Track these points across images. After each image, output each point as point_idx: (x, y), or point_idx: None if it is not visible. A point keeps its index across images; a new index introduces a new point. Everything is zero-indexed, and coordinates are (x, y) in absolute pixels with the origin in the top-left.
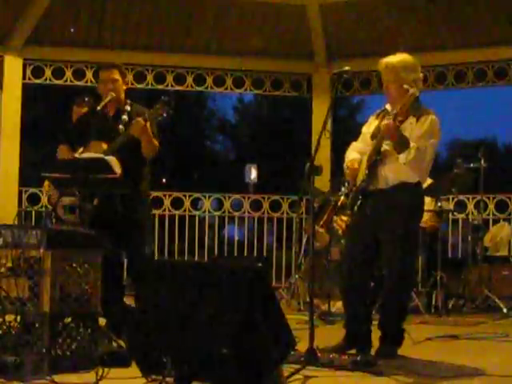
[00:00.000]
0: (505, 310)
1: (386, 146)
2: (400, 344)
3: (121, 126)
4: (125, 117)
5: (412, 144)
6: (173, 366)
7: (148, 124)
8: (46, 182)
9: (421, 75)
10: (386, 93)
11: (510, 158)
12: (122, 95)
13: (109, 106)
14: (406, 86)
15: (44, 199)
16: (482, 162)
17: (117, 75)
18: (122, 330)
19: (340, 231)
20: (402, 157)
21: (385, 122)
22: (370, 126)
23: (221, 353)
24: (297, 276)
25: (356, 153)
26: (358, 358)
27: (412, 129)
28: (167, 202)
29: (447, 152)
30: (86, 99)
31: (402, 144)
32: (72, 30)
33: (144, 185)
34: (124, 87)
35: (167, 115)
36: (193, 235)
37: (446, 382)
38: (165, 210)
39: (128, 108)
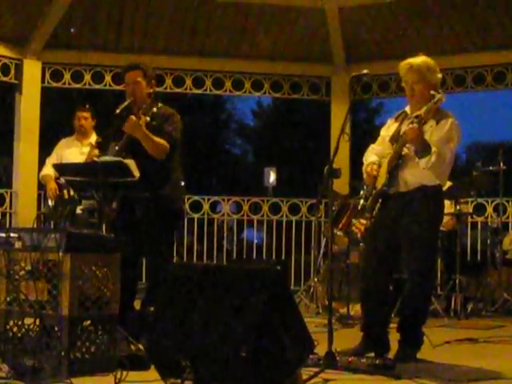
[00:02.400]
0: None
1: (406, 149)
2: (419, 347)
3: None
4: (147, 118)
5: (433, 149)
6: (191, 369)
7: (142, 121)
8: (52, 185)
9: (440, 76)
10: (410, 94)
11: None
12: (145, 97)
13: (134, 109)
14: (432, 92)
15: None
16: (502, 164)
17: (139, 77)
18: (141, 333)
19: (359, 234)
20: (423, 162)
21: (409, 126)
22: (388, 129)
23: (239, 356)
24: (315, 279)
25: (374, 155)
26: (377, 362)
27: (432, 132)
28: (186, 205)
29: (466, 155)
30: (87, 106)
31: (423, 149)
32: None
33: (168, 189)
34: (150, 89)
35: (162, 106)
36: (212, 238)
37: None
38: None
39: (154, 110)
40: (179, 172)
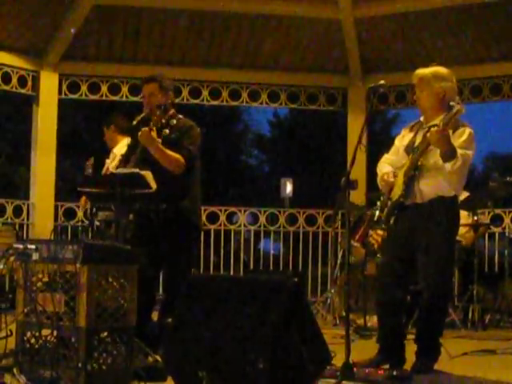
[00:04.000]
0: None
1: (422, 160)
2: (436, 359)
3: (159, 140)
4: (166, 130)
5: (459, 152)
6: (209, 381)
7: (153, 133)
8: (84, 197)
9: (454, 85)
10: (417, 102)
11: None
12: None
13: (150, 120)
14: (452, 103)
15: (80, 213)
16: None
17: (154, 90)
18: (158, 345)
19: (376, 246)
20: (448, 165)
21: (433, 128)
22: (403, 139)
23: (257, 367)
24: (332, 290)
25: (388, 166)
26: (394, 373)
27: None
28: (203, 217)
29: (483, 165)
30: (108, 120)
31: (450, 152)
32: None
33: (187, 202)
34: (166, 101)
35: (182, 118)
36: (228, 249)
37: None
38: None
39: (174, 122)
40: (198, 186)
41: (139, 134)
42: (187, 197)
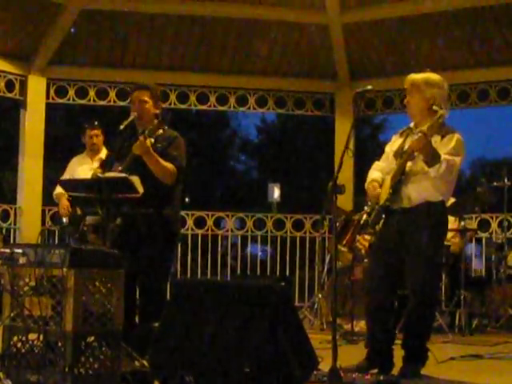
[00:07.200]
0: None
1: (410, 164)
2: (423, 363)
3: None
4: (152, 140)
5: (442, 157)
6: None
7: (148, 142)
8: (65, 202)
9: (445, 92)
10: (407, 107)
11: None
12: (150, 117)
13: (138, 128)
14: (435, 107)
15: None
16: (506, 180)
17: (146, 97)
18: (145, 349)
19: (363, 250)
20: (433, 170)
21: (415, 137)
22: (393, 145)
23: (243, 372)
24: (320, 295)
25: (378, 172)
26: (381, 378)
27: (437, 147)
28: (190, 222)
29: (470, 171)
30: (96, 123)
31: (433, 157)
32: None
33: (169, 210)
34: (155, 110)
35: (167, 128)
36: (215, 254)
37: None
38: (188, 229)
39: (160, 131)
40: (179, 198)
41: (135, 144)
42: (169, 205)
